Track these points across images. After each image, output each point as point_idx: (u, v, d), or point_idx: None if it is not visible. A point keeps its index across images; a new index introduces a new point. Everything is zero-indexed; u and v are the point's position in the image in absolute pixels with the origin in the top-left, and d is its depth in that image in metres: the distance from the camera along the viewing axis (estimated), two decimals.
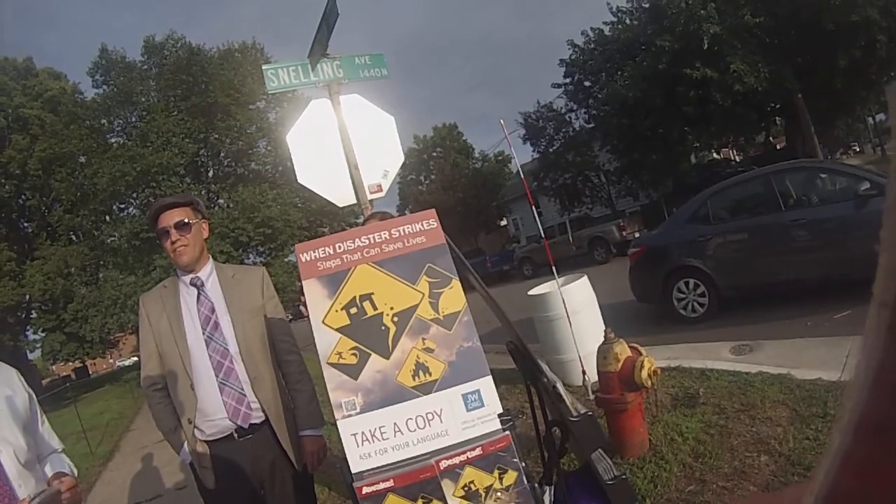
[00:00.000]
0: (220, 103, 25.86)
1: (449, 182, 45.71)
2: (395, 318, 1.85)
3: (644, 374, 4.07)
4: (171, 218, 2.80)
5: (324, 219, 26.62)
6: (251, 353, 2.78)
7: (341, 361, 1.82)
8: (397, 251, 1.93)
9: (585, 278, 6.63)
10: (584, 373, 5.81)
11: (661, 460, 4.14)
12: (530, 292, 6.86)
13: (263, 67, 4.71)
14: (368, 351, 1.82)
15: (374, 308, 1.86)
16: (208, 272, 2.90)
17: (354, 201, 4.58)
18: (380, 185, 4.64)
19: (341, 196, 4.60)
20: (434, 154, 50.15)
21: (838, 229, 7.08)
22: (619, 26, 27.19)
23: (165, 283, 2.96)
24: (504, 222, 48.44)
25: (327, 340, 1.84)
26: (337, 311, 1.87)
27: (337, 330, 1.85)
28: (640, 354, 4.24)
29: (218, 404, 2.71)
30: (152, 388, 2.83)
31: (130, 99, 27.05)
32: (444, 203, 41.72)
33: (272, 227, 24.53)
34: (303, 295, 1.92)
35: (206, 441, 2.75)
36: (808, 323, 6.72)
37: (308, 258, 1.94)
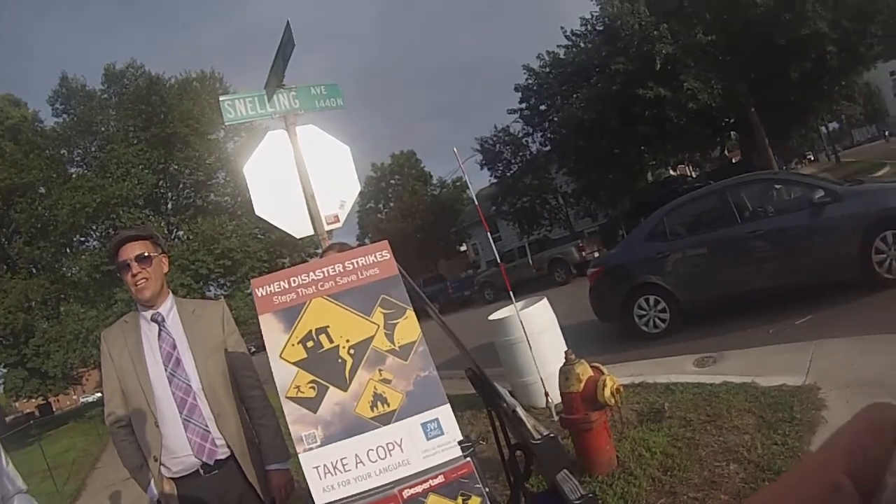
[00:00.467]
0: (179, 133, 25.76)
1: (408, 209, 46.01)
2: (352, 351, 1.85)
3: (607, 392, 4.11)
4: (131, 251, 2.77)
5: (283, 249, 26.53)
6: (214, 389, 2.76)
7: (300, 395, 1.82)
8: (351, 283, 1.94)
9: (545, 301, 6.67)
10: (546, 395, 5.82)
11: (631, 476, 4.16)
12: (490, 317, 6.87)
13: (220, 99, 4.71)
14: (326, 384, 1.82)
15: (331, 341, 1.87)
16: (169, 307, 2.88)
17: (312, 232, 4.58)
18: (336, 216, 4.65)
19: (299, 227, 4.60)
20: (392, 182, 50.59)
21: (795, 238, 7.27)
22: (574, 49, 27.69)
23: (126, 319, 2.92)
24: (464, 248, 48.72)
25: (285, 374, 1.84)
26: (293, 344, 1.87)
27: (294, 364, 1.85)
28: (602, 374, 4.27)
29: (183, 441, 2.68)
30: (116, 426, 2.79)
31: (90, 128, 26.77)
32: (404, 230, 42.10)
33: (232, 258, 24.40)
34: None
35: (172, 478, 2.72)
36: (770, 331, 6.83)
37: (263, 293, 1.94)
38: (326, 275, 1.95)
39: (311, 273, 1.96)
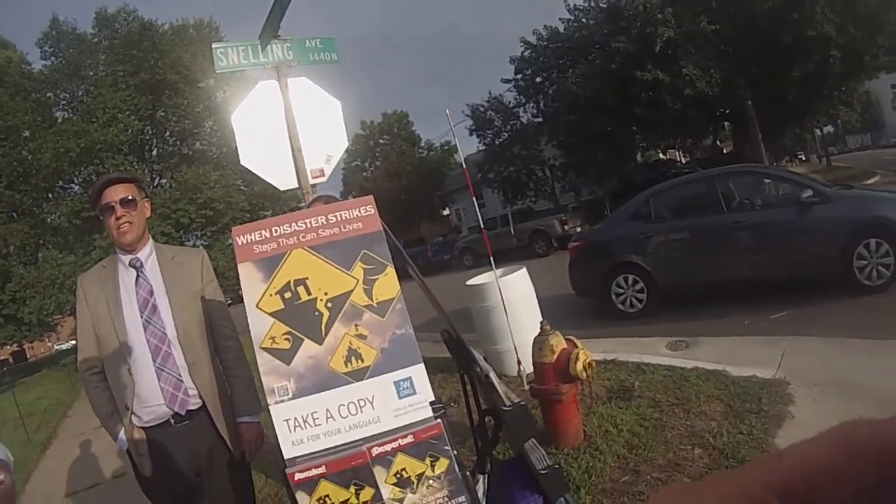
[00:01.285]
0: (169, 80, 25.31)
1: (394, 170, 45.55)
2: (329, 304, 1.85)
3: (579, 366, 4.14)
4: (115, 194, 2.73)
5: (266, 202, 26.21)
6: (189, 337, 2.74)
7: (274, 346, 1.82)
8: (333, 236, 1.92)
9: (524, 270, 6.70)
10: (519, 363, 5.85)
11: (596, 451, 4.20)
12: (468, 282, 6.90)
13: (213, 46, 4.61)
14: (301, 336, 1.82)
15: (308, 293, 1.86)
16: (148, 253, 2.85)
17: (296, 185, 4.53)
18: (322, 170, 4.60)
19: (283, 180, 4.54)
20: (381, 141, 50.13)
21: (779, 233, 7.32)
22: (575, 24, 27.57)
23: (104, 263, 2.89)
24: (447, 212, 48.63)
25: (261, 325, 1.83)
26: (271, 295, 1.86)
27: (271, 314, 1.85)
28: (576, 347, 4.31)
29: (155, 390, 2.66)
30: (89, 373, 2.76)
31: (79, 72, 26.19)
32: (388, 191, 41.92)
33: (214, 209, 24.12)
34: None
35: (143, 427, 2.70)
36: (745, 322, 6.89)
37: (244, 241, 1.93)
38: (308, 226, 1.93)
39: (293, 223, 1.94)
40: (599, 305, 8.89)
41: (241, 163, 4.55)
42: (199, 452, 2.75)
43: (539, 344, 4.41)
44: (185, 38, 26.09)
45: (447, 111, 6.08)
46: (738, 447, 3.88)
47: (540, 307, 6.61)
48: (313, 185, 4.51)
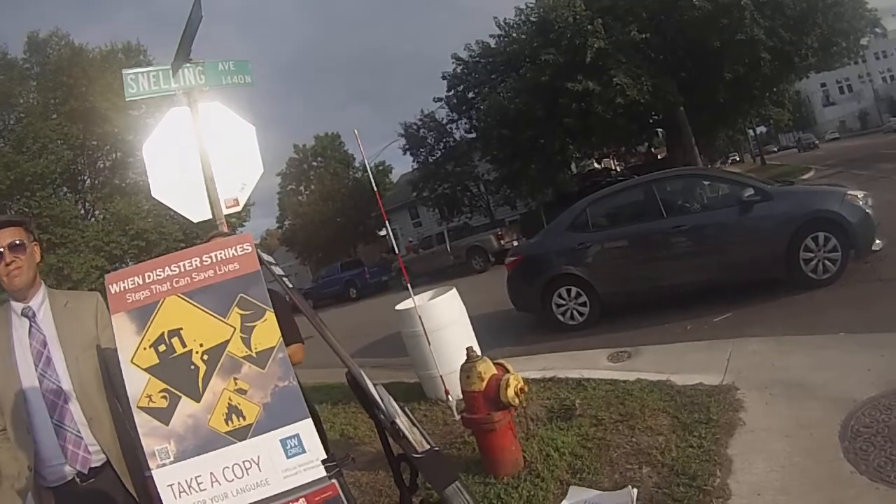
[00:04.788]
0: (99, 108, 24.60)
1: (329, 192, 45.77)
2: (205, 356, 1.69)
3: (510, 392, 3.97)
4: (3, 238, 2.58)
5: (200, 231, 25.61)
6: (86, 390, 2.60)
7: (152, 405, 1.67)
8: (208, 280, 1.77)
9: (454, 291, 6.41)
10: (447, 392, 5.62)
11: (537, 478, 4.02)
12: (396, 307, 6.61)
13: (123, 72, 4.46)
14: (178, 393, 1.67)
15: (183, 345, 1.71)
16: (40, 300, 2.71)
17: (209, 216, 4.35)
18: (236, 199, 4.44)
19: (197, 211, 4.37)
20: (315, 164, 50.18)
21: (722, 234, 7.29)
22: (505, 39, 27.90)
23: None
24: (383, 232, 48.59)
25: (136, 382, 1.69)
26: (145, 348, 1.71)
27: (146, 370, 1.69)
28: (507, 372, 4.14)
29: (55, 449, 2.51)
30: None
31: (8, 100, 25.28)
32: (324, 213, 42.55)
33: (147, 239, 23.59)
34: None
35: (49, 488, 2.54)
36: (688, 327, 6.81)
37: (117, 289, 1.76)
38: (182, 270, 1.78)
39: (167, 268, 1.78)
40: (540, 319, 8.71)
41: (153, 195, 4.36)
42: None
43: (466, 371, 4.21)
44: (115, 63, 25.41)
45: (355, 131, 5.88)
46: (689, 462, 3.71)
47: (478, 325, 6.39)
48: (227, 216, 4.33)
